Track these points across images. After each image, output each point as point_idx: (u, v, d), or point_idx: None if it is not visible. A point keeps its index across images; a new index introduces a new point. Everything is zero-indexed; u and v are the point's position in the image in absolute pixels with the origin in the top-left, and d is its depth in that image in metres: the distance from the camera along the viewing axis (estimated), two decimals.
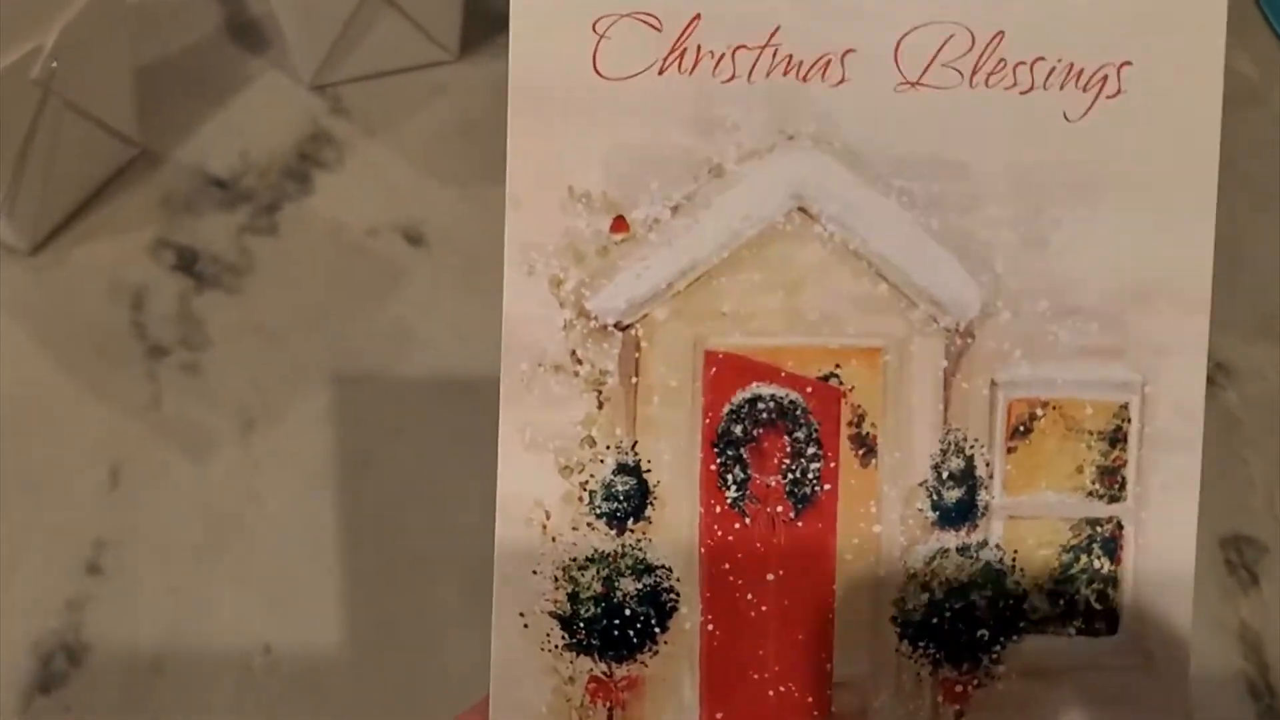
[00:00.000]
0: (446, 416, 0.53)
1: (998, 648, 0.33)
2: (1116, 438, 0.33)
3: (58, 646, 0.48)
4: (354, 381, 0.53)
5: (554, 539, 0.32)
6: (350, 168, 0.57)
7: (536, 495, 0.32)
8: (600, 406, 0.32)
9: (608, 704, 0.32)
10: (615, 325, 0.32)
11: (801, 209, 0.32)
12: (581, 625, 0.32)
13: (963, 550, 0.33)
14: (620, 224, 0.32)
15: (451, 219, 0.57)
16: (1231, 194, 0.58)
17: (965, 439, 0.33)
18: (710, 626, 0.32)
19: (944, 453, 0.33)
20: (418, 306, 0.56)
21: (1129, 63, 0.32)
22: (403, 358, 0.55)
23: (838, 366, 0.32)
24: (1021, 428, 0.33)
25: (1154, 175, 0.32)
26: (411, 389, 0.54)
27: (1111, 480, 0.33)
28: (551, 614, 0.32)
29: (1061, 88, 0.32)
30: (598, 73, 0.31)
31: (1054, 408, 0.33)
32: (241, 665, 0.50)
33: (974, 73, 0.32)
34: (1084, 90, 0.32)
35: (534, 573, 0.32)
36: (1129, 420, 0.33)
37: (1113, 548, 0.33)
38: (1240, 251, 0.57)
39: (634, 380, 0.32)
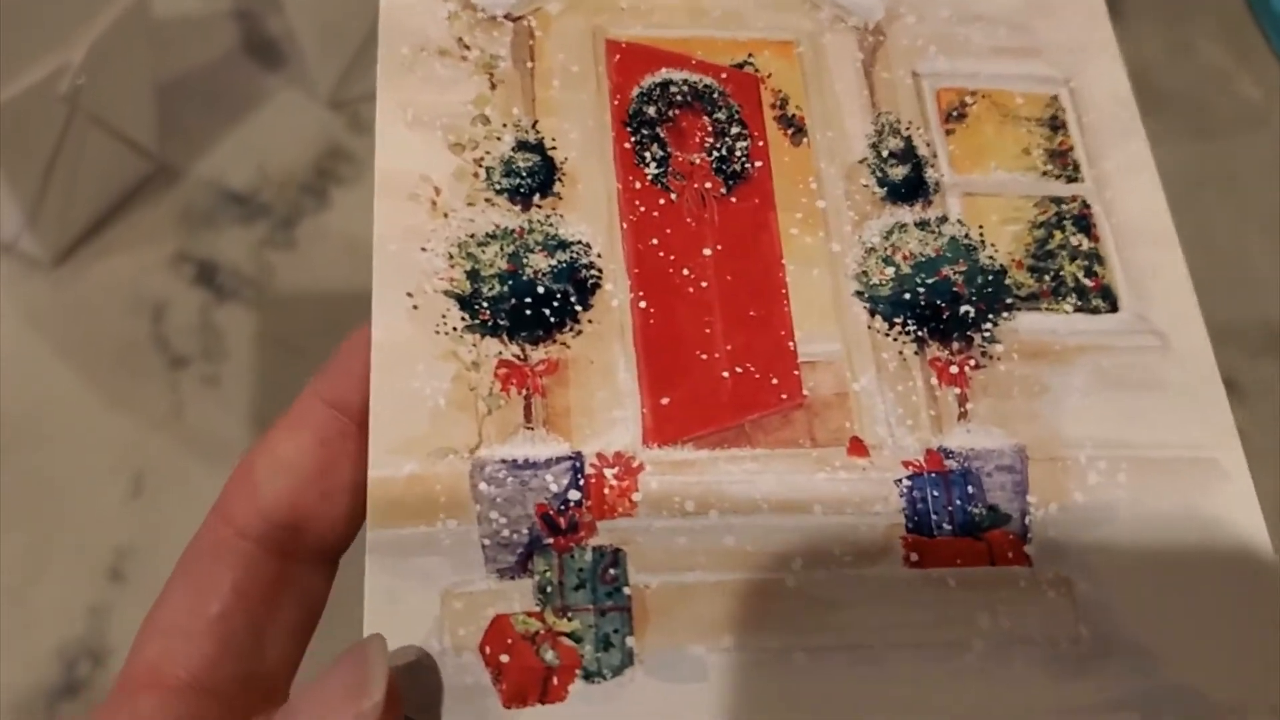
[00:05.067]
0: None
1: (989, 325, 0.27)
2: (1056, 124, 0.30)
3: (82, 651, 0.47)
4: None
5: (446, 215, 0.27)
6: (367, 183, 0.55)
7: (422, 170, 0.27)
8: (493, 88, 0.29)
9: (524, 391, 0.25)
10: (505, 16, 0.29)
11: None
12: (485, 304, 0.26)
13: (922, 225, 0.28)
14: None
15: None
16: (1237, 213, 0.59)
17: (899, 121, 0.30)
18: (643, 304, 0.27)
19: (879, 133, 0.29)
20: None
21: None
22: None
23: (750, 56, 0.30)
24: (954, 113, 0.30)
25: None
26: None
27: (1063, 162, 0.30)
28: (447, 293, 0.26)
29: None
30: None
31: (983, 96, 0.30)
32: None
33: None
34: None
35: (423, 250, 0.27)
36: (1063, 110, 0.31)
37: (1085, 225, 0.29)
38: (1246, 269, 0.57)
39: (529, 65, 0.29)
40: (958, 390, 0.27)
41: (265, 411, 0.51)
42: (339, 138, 0.58)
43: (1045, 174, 0.30)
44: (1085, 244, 0.29)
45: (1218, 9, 0.67)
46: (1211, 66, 0.64)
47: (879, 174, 0.29)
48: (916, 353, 0.27)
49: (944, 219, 0.29)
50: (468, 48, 0.29)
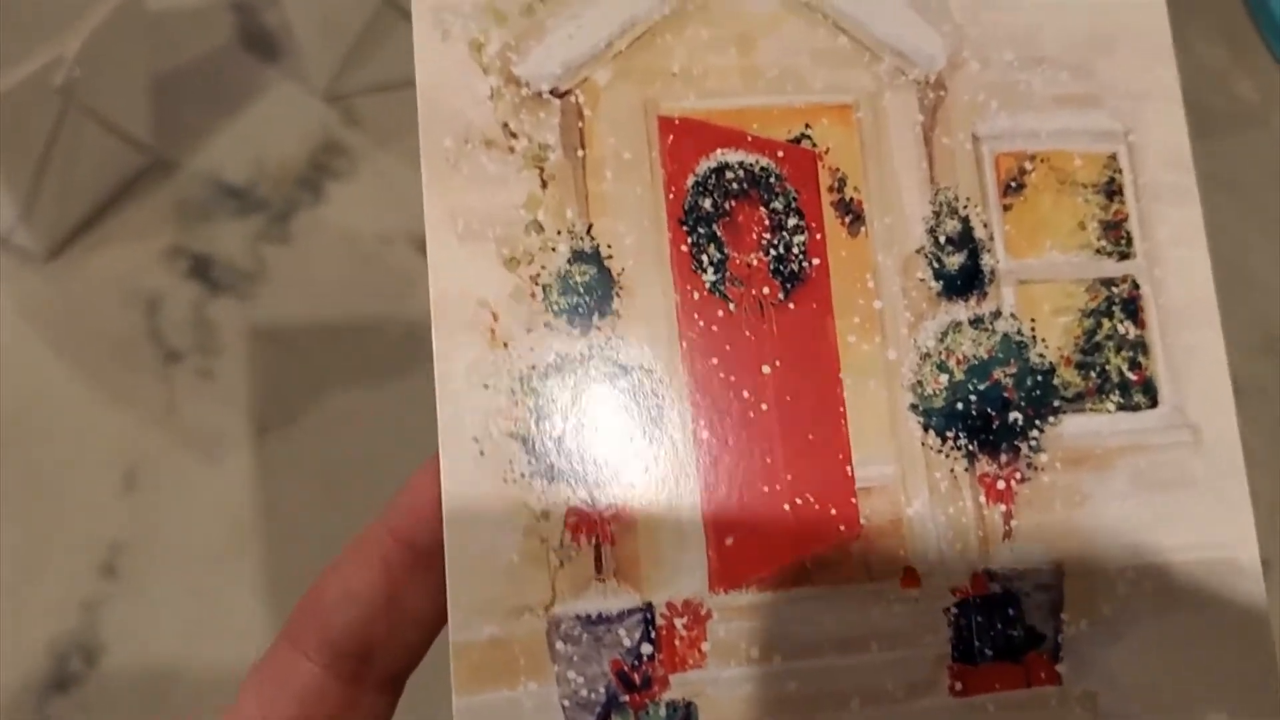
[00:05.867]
0: None
1: (1035, 432, 0.28)
2: (1112, 190, 0.30)
3: (74, 646, 0.48)
4: (366, 387, 0.53)
5: (505, 345, 0.26)
6: (363, 177, 0.56)
7: (479, 294, 0.26)
8: (544, 185, 0.27)
9: (593, 539, 0.26)
10: (551, 92, 0.27)
11: None
12: (550, 446, 0.26)
13: (976, 323, 0.28)
14: None
15: None
16: (1235, 215, 0.59)
17: (957, 198, 0.29)
18: (705, 434, 0.27)
19: (937, 215, 0.29)
20: (428, 314, 0.54)
21: None
22: (414, 364, 0.53)
23: (808, 127, 0.28)
24: (1013, 184, 0.29)
25: None
26: (423, 395, 0.51)
27: (1117, 235, 0.29)
28: (512, 435, 0.26)
29: None
30: None
31: (1042, 160, 0.29)
32: None
33: None
34: None
35: (485, 387, 0.26)
36: (1120, 171, 0.30)
37: (1134, 310, 0.29)
38: (1245, 271, 0.58)
39: (580, 154, 0.27)
40: (1003, 508, 0.28)
41: (259, 406, 0.51)
42: (335, 131, 0.56)
43: (1099, 251, 0.29)
44: (1132, 332, 0.29)
45: (1216, 10, 0.63)
46: (1210, 67, 0.62)
47: (935, 264, 0.28)
48: (966, 469, 0.28)
49: (997, 314, 0.29)
50: (514, 135, 0.27)
